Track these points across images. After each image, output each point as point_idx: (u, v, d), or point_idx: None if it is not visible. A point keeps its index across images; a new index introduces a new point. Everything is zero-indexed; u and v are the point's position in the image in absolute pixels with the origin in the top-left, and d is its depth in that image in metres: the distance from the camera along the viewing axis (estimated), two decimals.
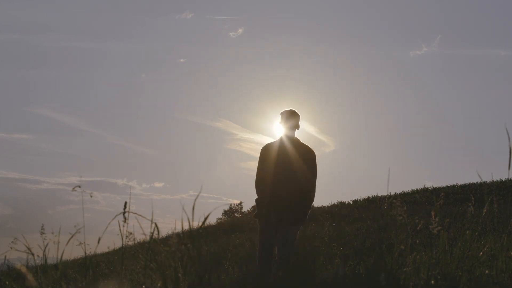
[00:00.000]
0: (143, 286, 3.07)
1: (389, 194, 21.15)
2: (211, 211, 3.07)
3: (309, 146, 4.93)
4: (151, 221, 2.99)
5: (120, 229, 3.13)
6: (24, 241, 3.49)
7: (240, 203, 38.10)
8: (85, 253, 3.81)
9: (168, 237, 3.40)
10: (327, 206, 22.37)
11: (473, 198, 4.46)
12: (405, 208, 3.24)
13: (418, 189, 24.43)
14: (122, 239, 3.21)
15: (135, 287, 3.26)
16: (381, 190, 25.30)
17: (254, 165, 4.94)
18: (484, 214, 3.86)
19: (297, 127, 4.95)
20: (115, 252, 12.08)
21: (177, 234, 3.09)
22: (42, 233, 4.16)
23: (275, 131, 5.04)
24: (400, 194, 23.40)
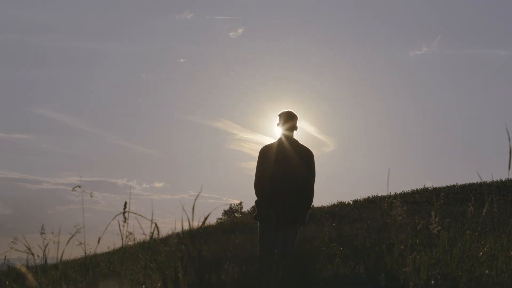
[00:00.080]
0: (143, 286, 3.07)
1: (389, 194, 21.14)
2: (211, 211, 3.07)
3: (308, 147, 4.94)
4: (151, 221, 2.99)
5: (120, 229, 3.13)
6: (24, 241, 3.49)
7: (240, 203, 38.12)
8: (85, 253, 3.81)
9: (168, 237, 3.40)
10: (327, 206, 22.39)
11: (473, 198, 4.46)
12: (405, 208, 3.24)
13: (418, 189, 24.47)
14: (122, 239, 3.21)
15: (135, 287, 3.26)
16: (381, 190, 25.33)
17: (254, 165, 4.96)
18: (484, 214, 3.86)
19: (295, 128, 4.96)
20: (115, 252, 12.07)
21: (177, 234, 3.08)
22: (42, 233, 4.16)
23: (276, 131, 5.05)
24: (400, 194, 23.42)
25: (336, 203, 23.20)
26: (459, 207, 15.79)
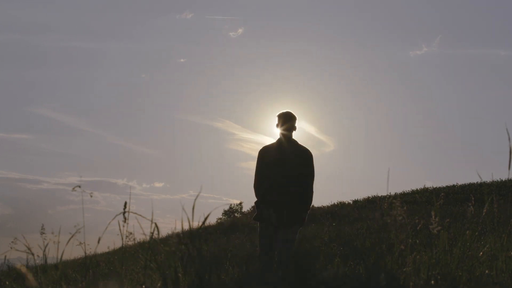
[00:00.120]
0: (143, 286, 3.07)
1: (389, 194, 21.14)
2: (211, 211, 3.07)
3: (306, 147, 4.96)
4: (151, 221, 2.99)
5: (120, 229, 3.13)
6: (24, 241, 3.49)
7: (240, 203, 38.06)
8: (85, 253, 3.81)
9: (168, 237, 3.40)
10: (327, 206, 22.38)
11: (473, 198, 4.46)
12: (405, 208, 3.24)
13: (418, 189, 24.47)
14: (122, 239, 3.21)
15: (135, 287, 3.26)
16: (381, 190, 25.35)
17: (254, 165, 4.97)
18: (484, 214, 3.86)
19: (294, 128, 4.97)
20: (115, 252, 12.06)
21: (177, 234, 3.08)
22: (42, 233, 4.16)
23: (276, 130, 5.05)
24: (400, 194, 23.42)
25: (336, 203, 23.21)
26: (459, 207, 15.78)
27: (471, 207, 4.04)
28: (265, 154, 4.89)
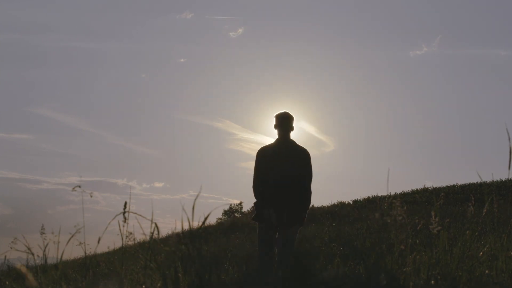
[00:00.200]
0: (143, 286, 3.07)
1: (389, 194, 21.14)
2: (211, 211, 3.07)
3: (304, 147, 4.96)
4: (151, 221, 2.99)
5: (120, 229, 3.13)
6: (24, 241, 3.49)
7: (240, 203, 38.04)
8: (85, 253, 3.81)
9: (168, 237, 3.40)
10: (327, 206, 22.37)
11: (473, 198, 4.46)
12: (405, 208, 3.24)
13: (418, 189, 24.47)
14: (122, 239, 3.21)
15: (135, 287, 3.26)
16: (381, 190, 25.34)
17: (254, 165, 4.97)
18: (484, 214, 3.86)
19: (291, 129, 4.98)
20: (115, 252, 12.06)
21: (177, 234, 3.08)
22: (42, 233, 4.16)
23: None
24: (400, 194, 23.42)
25: (336, 203, 23.20)
26: (459, 207, 15.77)
27: (471, 207, 4.04)
28: (263, 154, 4.90)
